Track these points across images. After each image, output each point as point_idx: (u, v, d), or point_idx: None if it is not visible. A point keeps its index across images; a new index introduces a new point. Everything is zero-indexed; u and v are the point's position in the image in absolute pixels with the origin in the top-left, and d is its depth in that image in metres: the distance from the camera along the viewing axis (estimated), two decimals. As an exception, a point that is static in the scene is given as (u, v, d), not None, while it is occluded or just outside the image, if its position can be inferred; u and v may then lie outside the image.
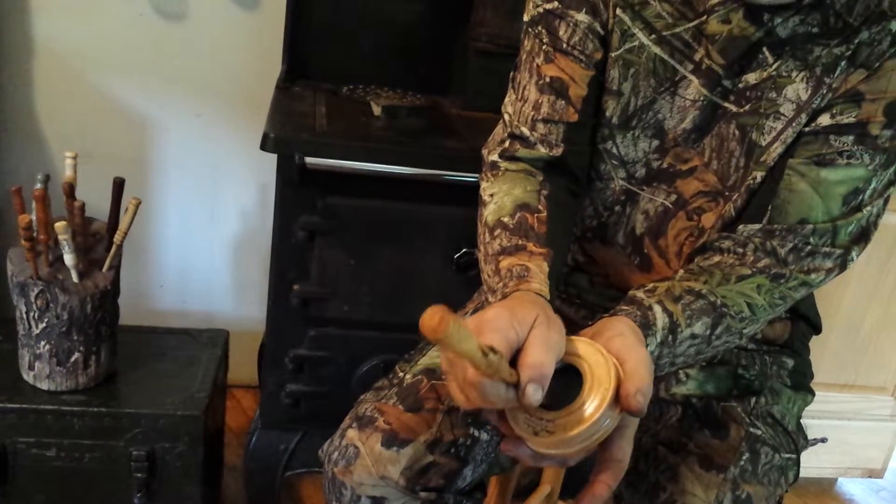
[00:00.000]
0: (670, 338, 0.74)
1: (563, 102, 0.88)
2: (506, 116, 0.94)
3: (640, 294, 0.77)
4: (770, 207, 0.82)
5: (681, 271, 0.83)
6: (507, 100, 0.94)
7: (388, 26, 1.69)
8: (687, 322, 0.75)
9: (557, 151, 0.89)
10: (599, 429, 0.64)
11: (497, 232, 0.82)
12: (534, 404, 0.62)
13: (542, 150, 0.89)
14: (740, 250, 0.83)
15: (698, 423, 0.90)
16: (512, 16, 1.56)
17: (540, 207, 0.84)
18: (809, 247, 0.81)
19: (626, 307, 0.75)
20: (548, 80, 0.89)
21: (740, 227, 0.84)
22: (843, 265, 0.83)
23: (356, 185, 1.34)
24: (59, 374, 1.31)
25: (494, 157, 0.93)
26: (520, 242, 0.80)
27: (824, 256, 0.81)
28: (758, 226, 0.83)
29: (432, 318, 0.51)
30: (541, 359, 0.63)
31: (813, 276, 0.82)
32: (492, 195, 0.88)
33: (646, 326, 0.72)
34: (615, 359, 0.66)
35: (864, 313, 1.84)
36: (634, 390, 0.63)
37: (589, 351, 0.67)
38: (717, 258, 0.83)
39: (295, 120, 1.39)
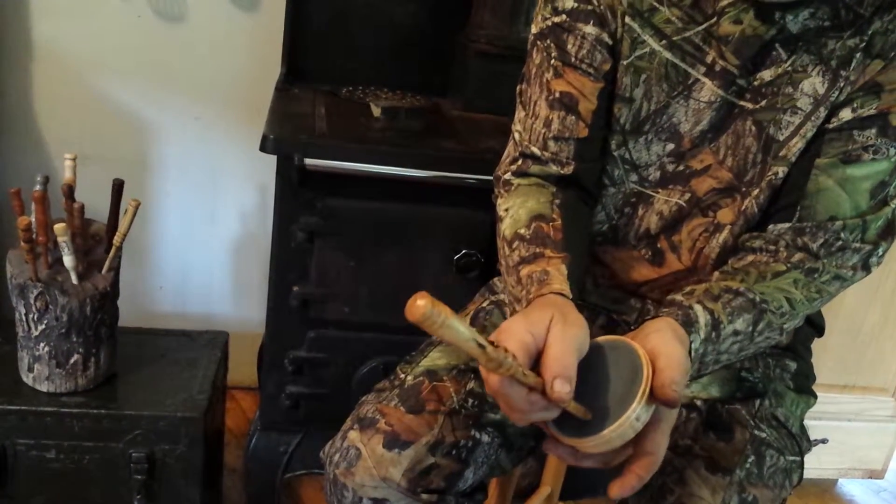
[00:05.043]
0: (714, 335, 0.75)
1: (574, 118, 0.90)
2: (515, 135, 0.95)
3: (678, 297, 0.78)
4: (799, 207, 0.84)
5: (716, 273, 0.84)
6: (516, 117, 0.96)
7: (387, 28, 1.69)
8: (729, 319, 0.76)
9: (568, 170, 0.91)
10: (635, 423, 0.64)
11: (515, 244, 0.84)
12: (564, 399, 0.63)
13: (554, 168, 0.91)
14: (772, 248, 0.84)
15: (703, 426, 0.90)
16: (511, 17, 1.56)
17: (554, 216, 0.86)
18: (840, 242, 0.82)
19: (667, 309, 0.76)
20: (557, 95, 0.90)
21: (770, 226, 0.85)
22: (868, 262, 0.84)
23: (356, 187, 1.34)
24: (58, 375, 1.30)
25: (507, 175, 0.94)
26: (537, 251, 0.81)
27: (854, 252, 0.83)
28: (788, 224, 0.84)
29: (414, 300, 0.51)
30: (560, 353, 0.64)
31: (844, 270, 0.83)
32: (507, 210, 0.89)
33: (688, 324, 0.73)
34: (650, 354, 0.66)
35: (864, 314, 1.83)
36: (669, 381, 0.64)
37: None
38: (750, 257, 0.85)
39: (294, 121, 1.38)
